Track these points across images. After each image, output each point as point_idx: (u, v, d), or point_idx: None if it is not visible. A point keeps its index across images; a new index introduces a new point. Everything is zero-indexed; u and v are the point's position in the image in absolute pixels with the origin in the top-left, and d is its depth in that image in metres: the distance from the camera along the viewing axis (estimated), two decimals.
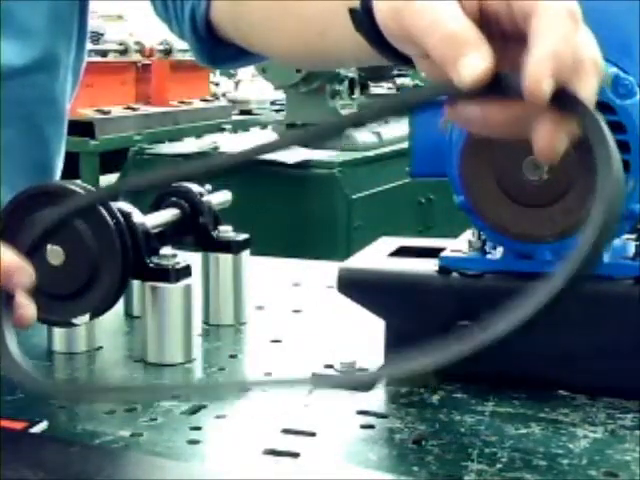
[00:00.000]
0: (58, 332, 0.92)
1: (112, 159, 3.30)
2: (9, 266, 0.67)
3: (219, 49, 0.99)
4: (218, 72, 5.40)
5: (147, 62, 3.98)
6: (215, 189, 1.03)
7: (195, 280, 0.91)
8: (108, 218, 0.80)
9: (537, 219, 0.71)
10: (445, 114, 0.58)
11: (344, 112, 3.05)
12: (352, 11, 0.67)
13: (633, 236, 0.81)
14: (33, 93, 1.04)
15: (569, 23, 0.56)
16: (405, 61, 0.66)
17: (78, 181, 0.81)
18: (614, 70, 0.74)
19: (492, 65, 0.55)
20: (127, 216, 0.82)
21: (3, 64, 0.99)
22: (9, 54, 1.00)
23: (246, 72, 4.66)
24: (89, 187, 0.82)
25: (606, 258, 0.78)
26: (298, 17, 0.86)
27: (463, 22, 0.57)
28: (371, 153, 2.97)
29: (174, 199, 0.99)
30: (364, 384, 0.73)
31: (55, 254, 0.80)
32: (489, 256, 0.81)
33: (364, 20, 0.66)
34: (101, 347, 0.93)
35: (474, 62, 0.55)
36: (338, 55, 0.87)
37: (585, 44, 0.57)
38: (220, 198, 1.04)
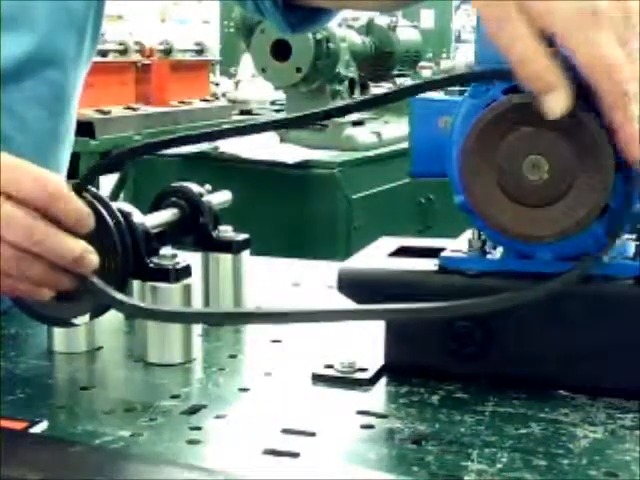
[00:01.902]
0: (58, 332, 0.92)
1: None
2: (84, 250, 0.76)
3: (295, 15, 1.10)
4: (218, 72, 5.40)
5: (147, 62, 3.97)
6: (215, 189, 1.03)
7: (195, 280, 0.91)
8: (108, 218, 0.80)
9: (538, 219, 0.71)
10: None
11: None
12: None
13: (633, 236, 0.81)
14: (49, 91, 1.05)
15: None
16: None
17: (78, 181, 0.81)
18: None
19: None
20: (127, 216, 0.82)
21: (6, 57, 0.99)
22: (17, 47, 1.00)
23: (246, 72, 4.65)
24: (89, 186, 0.82)
25: (606, 258, 0.78)
26: None
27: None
28: (371, 153, 2.97)
29: (174, 199, 0.99)
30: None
31: None
32: (489, 256, 0.81)
33: None
34: (101, 347, 0.93)
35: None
36: None
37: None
38: (220, 198, 1.04)
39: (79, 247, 0.76)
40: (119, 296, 0.76)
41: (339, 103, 0.75)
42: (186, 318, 0.82)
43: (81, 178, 0.80)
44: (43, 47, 1.02)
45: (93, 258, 0.77)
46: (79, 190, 0.79)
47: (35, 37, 1.01)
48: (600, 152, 0.68)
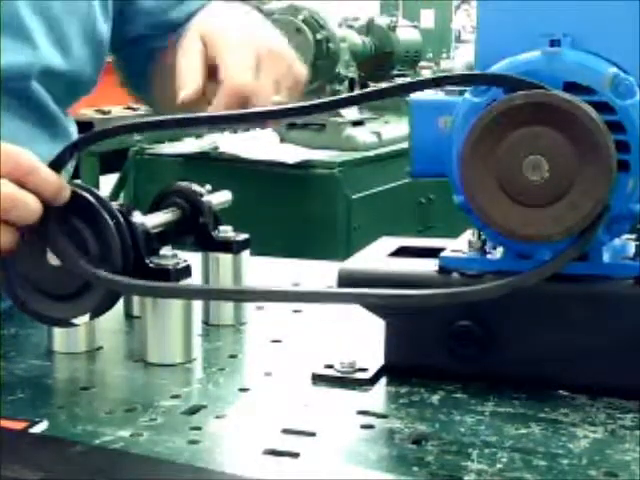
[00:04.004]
0: (58, 332, 0.92)
1: (112, 159, 3.30)
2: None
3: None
4: None
5: None
6: (215, 189, 1.03)
7: (195, 280, 0.91)
8: (108, 218, 0.80)
9: (541, 218, 0.71)
10: None
11: (344, 112, 3.05)
12: None
13: (633, 236, 0.81)
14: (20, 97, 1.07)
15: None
16: None
17: (78, 181, 0.81)
18: (614, 70, 0.74)
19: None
20: (127, 216, 0.82)
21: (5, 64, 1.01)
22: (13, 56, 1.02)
23: None
24: (89, 187, 0.82)
25: (606, 258, 0.78)
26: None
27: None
28: (371, 153, 2.97)
29: (174, 199, 0.99)
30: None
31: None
32: (489, 256, 0.81)
33: None
34: (101, 347, 0.93)
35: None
36: None
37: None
38: (220, 198, 1.04)
39: (57, 181, 0.79)
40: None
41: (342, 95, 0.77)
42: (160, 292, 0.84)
43: (56, 157, 0.81)
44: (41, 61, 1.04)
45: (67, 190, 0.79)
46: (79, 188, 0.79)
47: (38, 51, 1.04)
48: (600, 148, 0.68)
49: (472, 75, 0.77)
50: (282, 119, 0.76)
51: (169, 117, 0.82)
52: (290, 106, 0.78)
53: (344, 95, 0.78)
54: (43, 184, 0.77)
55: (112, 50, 1.21)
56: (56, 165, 0.80)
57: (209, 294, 0.90)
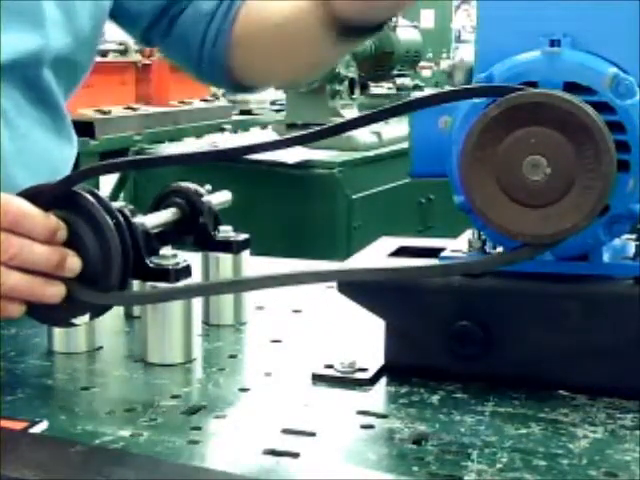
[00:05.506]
0: (58, 332, 0.92)
1: (112, 159, 3.30)
2: (62, 255, 0.79)
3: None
4: None
5: (147, 62, 3.97)
6: (215, 189, 1.03)
7: (195, 280, 0.91)
8: (108, 218, 0.80)
9: (541, 218, 0.71)
10: None
11: (344, 112, 3.05)
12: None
13: (633, 236, 0.81)
14: (27, 84, 1.07)
15: None
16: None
17: None
18: (614, 70, 0.74)
19: None
20: (127, 216, 0.82)
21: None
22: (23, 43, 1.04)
23: None
24: (89, 187, 0.82)
25: (606, 258, 0.78)
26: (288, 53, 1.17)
27: None
28: (371, 153, 2.97)
29: (174, 199, 0.99)
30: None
31: None
32: None
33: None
34: (101, 347, 0.93)
35: None
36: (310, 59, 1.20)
37: None
38: (220, 198, 1.04)
39: (57, 253, 0.78)
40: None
41: (359, 114, 0.76)
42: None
43: (60, 182, 0.81)
44: (46, 47, 1.04)
45: (75, 261, 0.79)
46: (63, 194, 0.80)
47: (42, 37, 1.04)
48: (600, 148, 0.68)
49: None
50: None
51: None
52: (323, 128, 0.78)
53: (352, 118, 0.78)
54: (37, 228, 0.77)
55: (159, 34, 1.20)
56: (67, 183, 0.80)
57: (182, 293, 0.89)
